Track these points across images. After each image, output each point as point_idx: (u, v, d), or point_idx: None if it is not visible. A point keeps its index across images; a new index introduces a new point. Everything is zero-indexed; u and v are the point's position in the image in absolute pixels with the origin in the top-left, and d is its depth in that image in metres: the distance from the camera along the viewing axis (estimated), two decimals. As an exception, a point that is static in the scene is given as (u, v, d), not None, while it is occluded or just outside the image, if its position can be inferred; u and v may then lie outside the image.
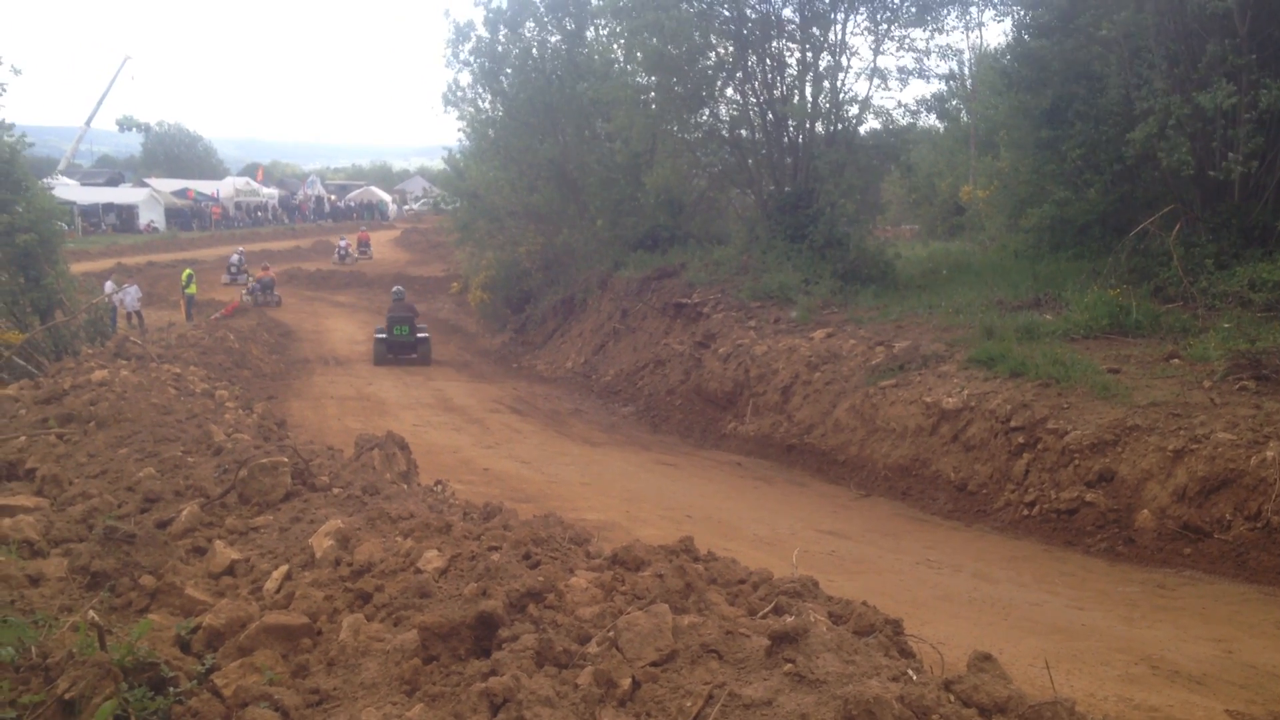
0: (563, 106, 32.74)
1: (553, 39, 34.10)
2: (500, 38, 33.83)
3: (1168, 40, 18.19)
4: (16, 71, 22.09)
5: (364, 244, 65.79)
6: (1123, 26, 18.47)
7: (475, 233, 38.38)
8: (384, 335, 29.61)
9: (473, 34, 34.34)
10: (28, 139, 22.91)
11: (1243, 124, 17.22)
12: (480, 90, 35.61)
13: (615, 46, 32.01)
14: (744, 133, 27.83)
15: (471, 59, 34.66)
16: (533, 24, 33.81)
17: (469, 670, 4.52)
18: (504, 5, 33.59)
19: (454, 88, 35.96)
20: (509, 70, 33.76)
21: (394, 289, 33.08)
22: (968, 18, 31.82)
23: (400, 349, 29.50)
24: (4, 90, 21.76)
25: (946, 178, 40.95)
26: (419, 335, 29.89)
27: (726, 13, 25.83)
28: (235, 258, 50.45)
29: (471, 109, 36.23)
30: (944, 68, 36.87)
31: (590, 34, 33.92)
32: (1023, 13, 23.40)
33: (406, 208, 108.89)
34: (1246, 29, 17.19)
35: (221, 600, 6.10)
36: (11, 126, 22.17)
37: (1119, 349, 15.32)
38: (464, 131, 37.54)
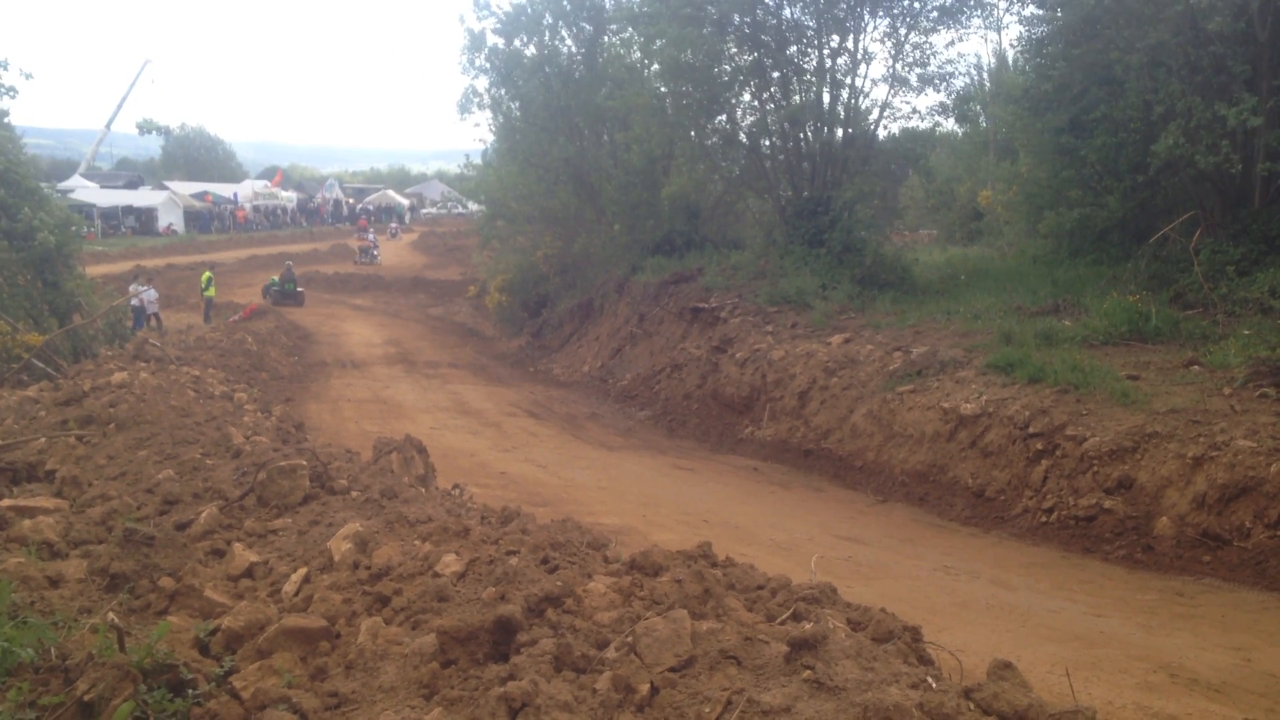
0: (580, 111, 32.75)
1: (566, 46, 34.12)
2: (516, 43, 33.81)
3: (1187, 49, 18.11)
4: (27, 76, 22.14)
5: (363, 229, 73.66)
6: (1143, 36, 18.38)
7: (497, 232, 38.62)
8: (276, 287, 43.50)
9: (485, 45, 34.38)
10: (28, 149, 22.98)
11: (1264, 133, 17.13)
12: (500, 93, 35.62)
13: (634, 50, 32.03)
14: (762, 138, 27.79)
15: (488, 64, 34.69)
16: (548, 30, 33.81)
17: (487, 674, 4.52)
18: (512, 11, 33.56)
19: (472, 93, 35.99)
20: (524, 76, 33.71)
21: (286, 262, 47.63)
22: (988, 20, 31.74)
23: (286, 296, 43.12)
24: (15, 94, 21.78)
25: (965, 183, 40.84)
26: (299, 289, 44.18)
27: (743, 19, 25.79)
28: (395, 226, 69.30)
29: (495, 113, 36.23)
30: (962, 77, 36.74)
31: (607, 39, 33.91)
32: (1041, 20, 23.26)
33: (425, 211, 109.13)
34: (1267, 36, 17.13)
35: (240, 603, 6.12)
36: (13, 130, 22.24)
37: (1138, 355, 15.24)
38: (491, 130, 37.55)
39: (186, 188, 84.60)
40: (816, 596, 5.54)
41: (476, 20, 34.51)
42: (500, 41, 34.08)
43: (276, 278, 44.16)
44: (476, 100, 35.82)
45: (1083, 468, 12.64)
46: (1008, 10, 27.86)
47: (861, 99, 26.25)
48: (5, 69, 21.65)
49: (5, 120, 22.06)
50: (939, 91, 26.15)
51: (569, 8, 33.48)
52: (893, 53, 25.96)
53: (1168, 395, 13.07)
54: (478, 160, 41.62)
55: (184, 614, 6.17)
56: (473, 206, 44.37)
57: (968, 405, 14.90)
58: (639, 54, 31.51)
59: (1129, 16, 18.88)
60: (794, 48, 26.27)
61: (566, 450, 18.76)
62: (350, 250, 65.93)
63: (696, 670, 4.29)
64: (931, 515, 14.19)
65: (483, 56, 34.55)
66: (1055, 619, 9.31)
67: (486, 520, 7.95)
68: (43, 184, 23.01)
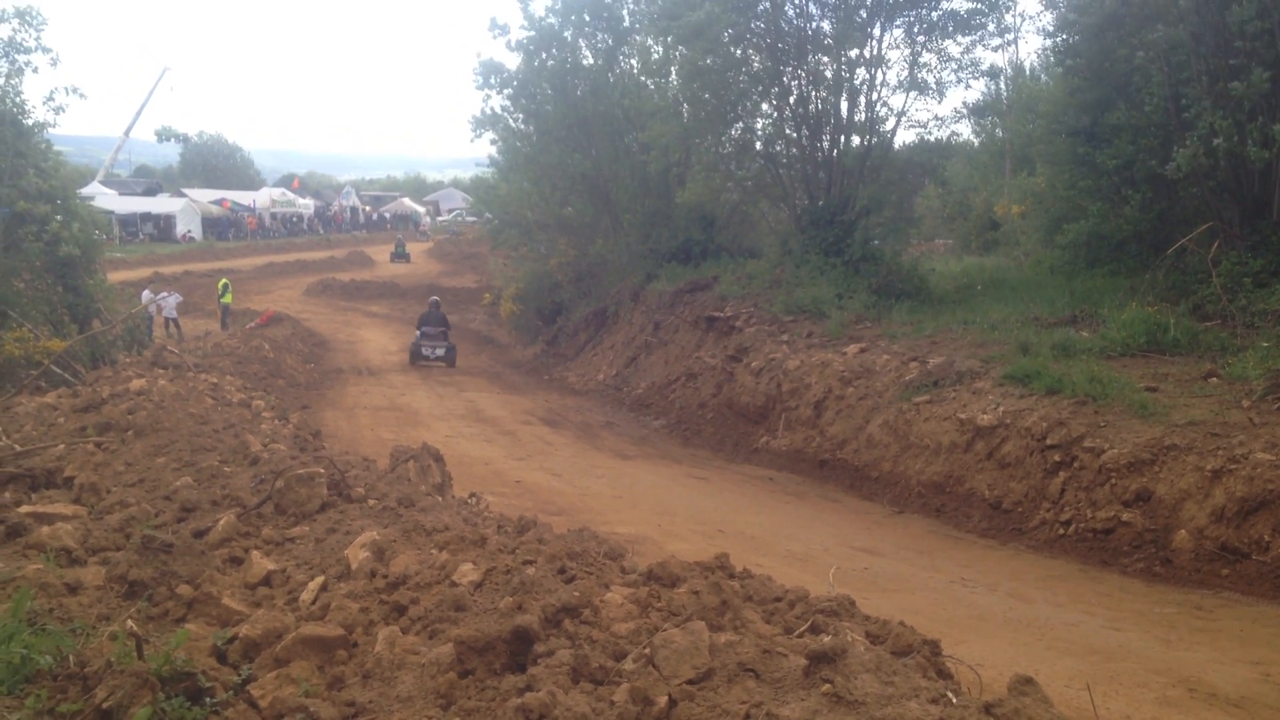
0: (596, 120, 32.76)
1: (585, 60, 34.14)
2: (535, 64, 33.74)
3: (1208, 57, 18.01)
4: (82, 96, 22.38)
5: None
6: (1162, 43, 18.29)
7: (509, 240, 38.71)
8: (395, 251, 66.90)
9: (500, 70, 34.43)
10: (61, 155, 23.23)
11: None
12: (512, 112, 35.65)
13: (651, 57, 32.04)
14: (778, 146, 27.78)
15: (502, 87, 34.73)
16: (568, 45, 33.83)
17: (504, 685, 4.51)
18: (534, 33, 33.56)
19: (485, 112, 36.03)
20: (542, 92, 33.69)
21: (397, 236, 66.29)
22: (1006, 26, 31.71)
23: (399, 256, 66.02)
24: (64, 109, 21.97)
25: (981, 193, 40.72)
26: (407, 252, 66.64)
27: (762, 26, 25.80)
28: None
29: (503, 129, 36.28)
30: (980, 83, 36.69)
31: (625, 50, 33.94)
32: (1064, 27, 23.15)
33: (440, 218, 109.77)
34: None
35: (258, 611, 6.12)
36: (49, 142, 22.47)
37: (1156, 367, 15.16)
38: (496, 146, 37.68)
39: (204, 195, 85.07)
40: (835, 609, 5.53)
41: (491, 38, 34.72)
42: (518, 60, 34.13)
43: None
44: (490, 119, 35.86)
45: (1100, 480, 12.58)
46: (1024, 19, 27.63)
47: (879, 107, 26.23)
48: (71, 93, 21.90)
49: (45, 134, 22.28)
50: (958, 89, 26.22)
51: (589, 20, 33.55)
52: (909, 60, 25.92)
53: (1186, 407, 12.99)
54: (489, 171, 41.78)
55: (202, 622, 6.17)
56: (487, 215, 44.62)
57: (985, 416, 14.85)
58: (657, 62, 31.50)
59: (1149, 18, 18.73)
60: (811, 55, 26.25)
61: (582, 459, 18.75)
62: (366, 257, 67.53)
63: (715, 683, 4.27)
64: (948, 527, 14.14)
65: (498, 77, 34.59)
66: (1073, 632, 9.26)
67: (503, 529, 7.95)
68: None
